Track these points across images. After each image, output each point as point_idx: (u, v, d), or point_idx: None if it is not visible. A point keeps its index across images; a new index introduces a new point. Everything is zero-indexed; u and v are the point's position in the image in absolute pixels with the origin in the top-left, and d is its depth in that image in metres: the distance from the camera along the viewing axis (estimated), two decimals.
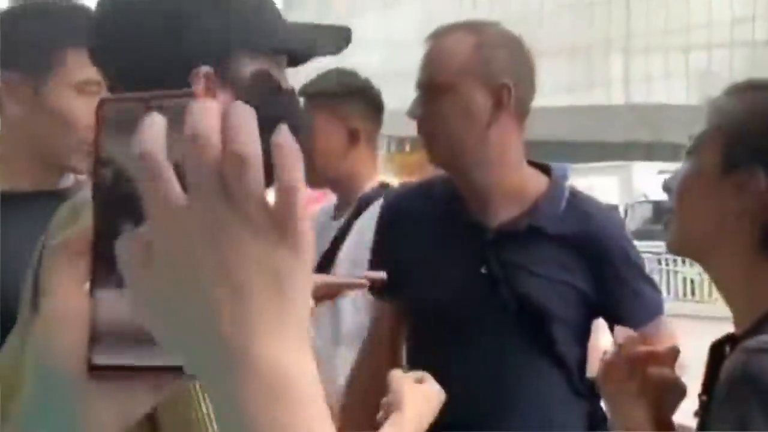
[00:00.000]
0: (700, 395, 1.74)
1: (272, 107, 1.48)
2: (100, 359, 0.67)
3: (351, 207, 3.11)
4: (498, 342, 2.39)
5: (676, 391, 1.77)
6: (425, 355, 2.43)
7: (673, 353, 1.79)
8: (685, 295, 19.19)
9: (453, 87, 2.37)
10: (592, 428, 2.45)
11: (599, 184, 21.57)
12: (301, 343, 0.62)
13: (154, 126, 0.61)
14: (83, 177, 2.14)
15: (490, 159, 2.39)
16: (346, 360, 2.78)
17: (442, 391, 1.94)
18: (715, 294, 1.87)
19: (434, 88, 2.39)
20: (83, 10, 2.11)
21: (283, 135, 0.61)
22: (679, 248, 1.88)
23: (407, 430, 1.88)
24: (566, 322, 2.39)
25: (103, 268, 0.67)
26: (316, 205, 3.33)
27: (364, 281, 1.96)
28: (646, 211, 23.91)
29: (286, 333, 0.61)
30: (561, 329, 2.39)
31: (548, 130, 26.59)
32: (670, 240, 1.83)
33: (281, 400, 0.60)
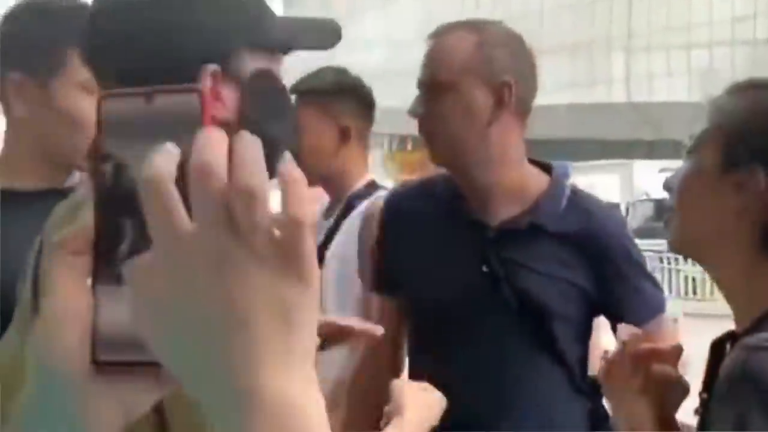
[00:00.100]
0: (700, 393, 1.74)
1: (273, 105, 1.48)
2: (103, 355, 0.67)
3: (341, 205, 3.10)
4: (499, 340, 2.39)
5: (679, 389, 1.78)
6: (426, 353, 2.44)
7: (677, 351, 1.79)
8: (686, 293, 19.17)
9: (454, 86, 2.37)
10: (594, 426, 2.45)
11: (601, 182, 21.58)
12: (307, 374, 0.62)
13: (166, 154, 0.61)
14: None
15: (491, 157, 2.39)
16: (333, 360, 2.75)
17: (444, 398, 1.94)
18: (717, 292, 1.87)
19: (435, 87, 2.40)
20: (87, 9, 2.11)
21: (289, 166, 0.61)
22: (680, 247, 1.88)
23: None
24: (567, 320, 2.40)
25: (104, 264, 0.67)
26: (315, 205, 3.32)
27: (377, 332, 1.94)
28: (648, 210, 23.88)
29: (292, 364, 0.61)
30: (562, 327, 2.39)
31: (550, 129, 26.58)
32: (670, 239, 1.83)
33: (288, 431, 0.60)
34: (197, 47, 1.41)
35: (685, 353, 1.81)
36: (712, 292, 15.79)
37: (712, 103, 1.80)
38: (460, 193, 2.44)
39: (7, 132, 2.19)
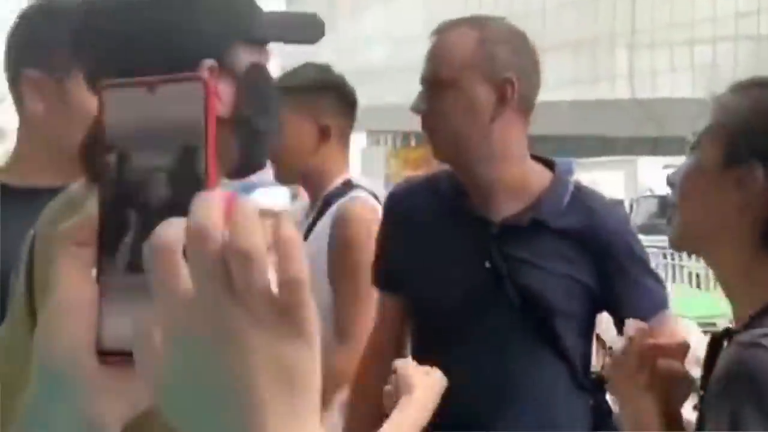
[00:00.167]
0: (699, 389, 1.74)
1: (265, 99, 1.49)
2: (108, 345, 0.67)
3: (318, 204, 3.07)
4: (502, 336, 2.39)
5: (685, 385, 1.78)
6: (429, 349, 2.43)
7: (683, 347, 1.79)
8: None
9: (456, 82, 2.37)
10: (596, 422, 2.45)
11: (604, 178, 21.54)
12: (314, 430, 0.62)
13: (174, 225, 0.62)
14: None
15: (494, 154, 2.39)
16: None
17: (444, 377, 1.96)
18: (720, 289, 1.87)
19: (438, 84, 2.40)
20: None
21: (286, 226, 0.62)
22: (681, 243, 1.89)
23: (417, 414, 1.90)
24: (570, 316, 2.40)
25: (109, 255, 0.67)
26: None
27: None
28: (652, 206, 23.83)
29: (300, 426, 0.61)
30: (565, 323, 2.39)
31: (553, 125, 26.57)
32: (672, 235, 1.83)
33: None
34: (194, 43, 1.42)
35: (693, 349, 1.81)
36: (715, 289, 15.78)
37: (716, 101, 1.81)
38: (463, 189, 2.44)
39: (20, 130, 2.19)
